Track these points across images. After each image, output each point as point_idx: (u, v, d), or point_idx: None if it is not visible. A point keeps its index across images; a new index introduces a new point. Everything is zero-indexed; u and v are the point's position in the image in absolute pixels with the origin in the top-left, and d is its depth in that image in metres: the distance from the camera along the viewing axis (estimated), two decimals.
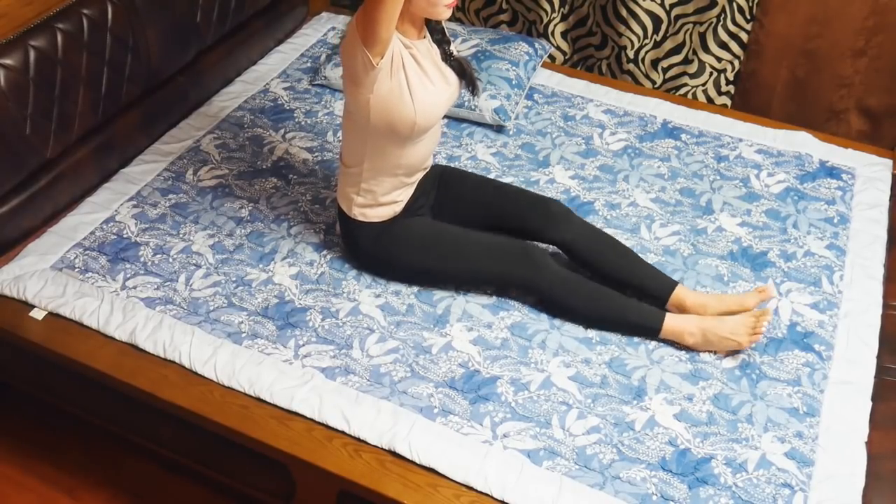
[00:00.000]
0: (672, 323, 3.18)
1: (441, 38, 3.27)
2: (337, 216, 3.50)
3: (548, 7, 4.68)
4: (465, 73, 3.32)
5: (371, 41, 2.87)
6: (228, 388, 3.06)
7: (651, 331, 3.20)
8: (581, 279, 3.26)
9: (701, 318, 3.18)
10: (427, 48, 3.17)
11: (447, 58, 3.27)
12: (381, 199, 3.29)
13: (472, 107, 4.16)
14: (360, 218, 3.32)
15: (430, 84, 3.12)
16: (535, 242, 3.38)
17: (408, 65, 3.04)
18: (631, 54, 4.63)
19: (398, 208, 3.36)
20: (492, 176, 3.89)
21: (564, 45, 4.86)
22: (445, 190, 3.51)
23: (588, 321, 3.26)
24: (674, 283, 3.29)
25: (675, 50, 4.58)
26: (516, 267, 3.26)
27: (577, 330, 3.25)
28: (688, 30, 4.49)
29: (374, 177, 3.24)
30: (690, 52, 4.55)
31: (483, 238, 3.34)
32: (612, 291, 3.24)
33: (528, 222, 3.39)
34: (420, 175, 3.41)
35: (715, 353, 3.17)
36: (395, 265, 3.37)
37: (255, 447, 2.98)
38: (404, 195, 3.36)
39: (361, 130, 3.15)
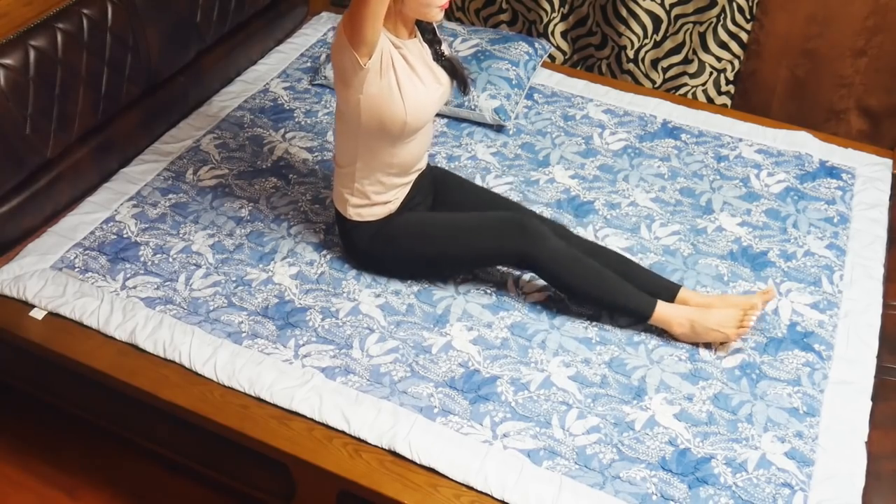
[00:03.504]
0: (663, 311, 3.18)
1: (432, 38, 3.27)
2: (334, 216, 3.51)
3: (548, 7, 4.69)
4: (457, 73, 3.33)
5: (357, 42, 2.89)
6: (228, 387, 3.06)
7: (641, 316, 3.21)
8: (579, 255, 3.23)
9: (690, 308, 3.19)
10: (418, 48, 3.18)
11: (438, 57, 3.28)
12: (375, 198, 3.29)
13: (472, 107, 4.16)
14: (356, 218, 3.32)
15: (420, 83, 3.12)
16: (531, 217, 3.37)
17: (398, 65, 3.05)
18: (631, 54, 4.63)
19: (393, 207, 3.36)
20: (492, 176, 3.90)
21: (564, 45, 4.86)
22: (444, 196, 3.51)
23: (580, 298, 3.26)
24: (677, 287, 3.29)
25: (675, 50, 4.58)
26: (513, 240, 3.23)
27: (577, 330, 3.25)
28: (688, 30, 4.49)
29: (366, 176, 3.24)
30: (690, 51, 4.55)
31: (476, 216, 3.34)
32: (609, 273, 3.23)
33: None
34: (415, 175, 3.41)
35: (715, 350, 3.17)
36: (392, 260, 3.38)
37: (255, 447, 2.98)
38: (399, 194, 3.36)
39: (353, 131, 3.15)
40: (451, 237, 3.31)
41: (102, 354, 3.17)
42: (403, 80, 3.05)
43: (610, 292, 3.21)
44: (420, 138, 3.26)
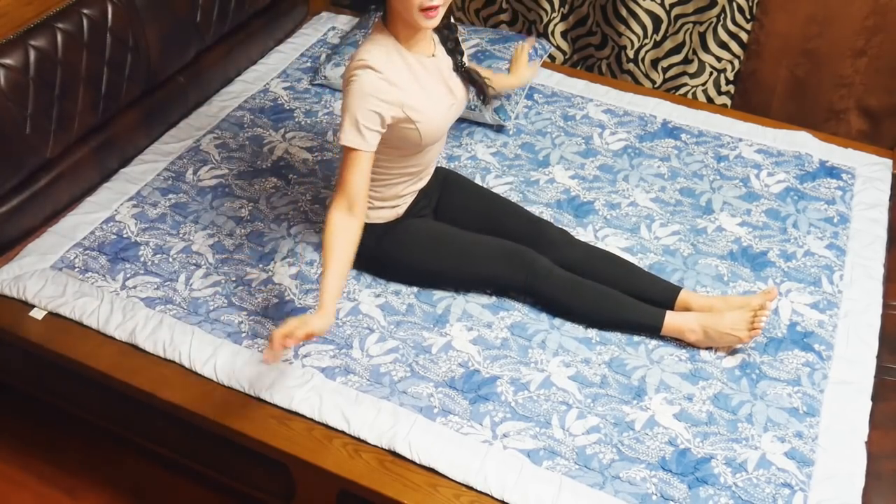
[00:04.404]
0: (673, 321, 3.18)
1: (454, 48, 3.25)
2: None
3: (548, 7, 4.69)
4: (475, 83, 3.32)
5: None
6: (228, 387, 3.06)
7: (652, 329, 3.21)
8: (580, 281, 3.25)
9: (701, 314, 3.18)
10: (434, 64, 3.14)
11: (458, 68, 3.26)
12: (385, 202, 3.29)
13: (473, 107, 4.15)
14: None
15: (428, 101, 3.08)
16: (539, 253, 3.36)
17: (404, 90, 2.99)
18: (631, 54, 4.63)
19: (400, 211, 3.35)
20: (492, 175, 3.89)
21: (564, 45, 4.86)
22: (449, 198, 3.51)
23: (589, 322, 3.26)
24: (677, 289, 3.29)
25: (675, 50, 4.59)
26: (520, 273, 3.26)
27: (577, 330, 3.25)
28: (688, 29, 4.49)
29: (378, 182, 3.23)
30: (690, 51, 4.55)
31: (484, 241, 3.34)
32: (612, 291, 3.24)
33: (528, 244, 3.37)
34: (426, 179, 3.41)
35: (715, 350, 3.17)
36: (395, 266, 3.37)
37: (255, 447, 2.98)
38: (409, 199, 3.36)
39: None
40: (459, 257, 3.30)
41: (102, 354, 3.18)
42: (412, 104, 3.00)
43: (617, 313, 3.23)
44: (435, 147, 3.27)
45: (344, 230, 2.94)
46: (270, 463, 3.02)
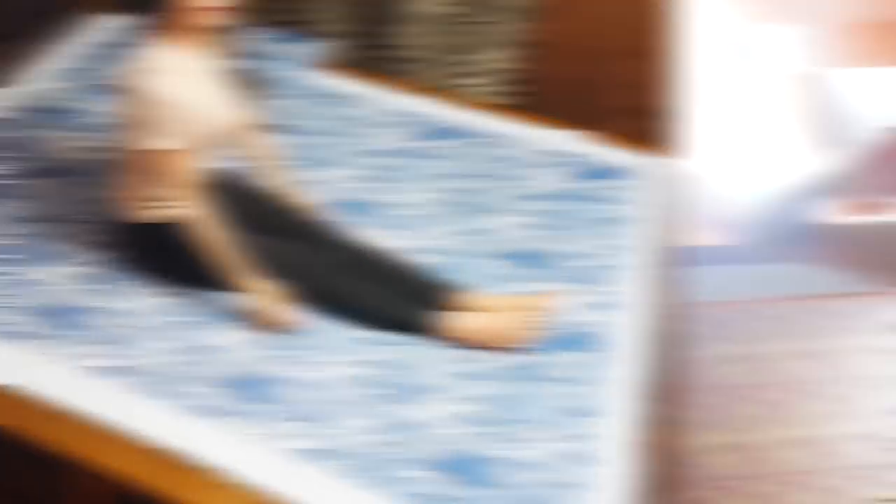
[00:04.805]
0: (450, 321, 3.21)
1: (234, 52, 3.25)
2: None
3: (325, 7, 4.66)
4: (249, 83, 3.30)
5: None
6: None
7: (430, 329, 3.22)
8: (358, 282, 3.26)
9: (478, 314, 3.22)
10: (215, 68, 3.14)
11: (235, 73, 3.24)
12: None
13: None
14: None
15: (210, 107, 3.10)
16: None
17: (189, 97, 3.00)
18: (411, 53, 4.63)
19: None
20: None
21: (342, 45, 4.83)
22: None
23: (368, 322, 3.25)
24: (455, 289, 3.32)
25: (455, 49, 4.60)
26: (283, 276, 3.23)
27: (356, 330, 3.24)
28: (468, 29, 4.51)
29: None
30: (470, 51, 4.57)
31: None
32: (389, 291, 3.26)
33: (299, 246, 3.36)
34: None
35: (493, 351, 3.19)
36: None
37: None
38: None
39: None
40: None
41: None
42: (194, 107, 3.04)
43: (393, 313, 3.25)
44: (211, 151, 3.25)
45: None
46: None
